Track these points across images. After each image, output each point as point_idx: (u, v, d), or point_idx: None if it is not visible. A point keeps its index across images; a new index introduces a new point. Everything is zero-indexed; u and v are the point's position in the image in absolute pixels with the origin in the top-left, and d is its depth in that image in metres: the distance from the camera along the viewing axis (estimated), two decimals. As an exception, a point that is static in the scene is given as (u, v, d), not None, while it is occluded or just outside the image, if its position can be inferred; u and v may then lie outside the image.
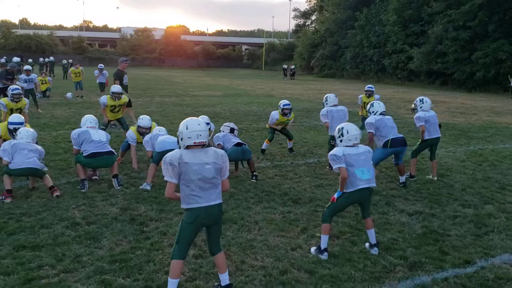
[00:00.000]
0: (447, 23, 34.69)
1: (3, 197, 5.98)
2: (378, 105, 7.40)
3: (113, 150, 7.01)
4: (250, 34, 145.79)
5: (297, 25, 78.77)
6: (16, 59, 31.37)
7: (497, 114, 18.38)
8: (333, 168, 4.70)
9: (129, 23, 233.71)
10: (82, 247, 4.65)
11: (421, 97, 8.09)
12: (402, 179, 7.35)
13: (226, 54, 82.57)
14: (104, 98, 9.91)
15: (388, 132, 7.16)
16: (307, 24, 77.19)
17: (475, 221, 5.85)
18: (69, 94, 19.69)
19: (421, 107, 7.87)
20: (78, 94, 19.93)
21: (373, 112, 7.32)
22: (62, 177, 7.30)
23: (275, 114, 9.42)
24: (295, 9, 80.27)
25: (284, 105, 9.32)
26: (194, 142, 3.66)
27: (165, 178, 3.65)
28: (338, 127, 4.89)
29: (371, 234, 4.82)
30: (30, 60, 34.06)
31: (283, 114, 9.35)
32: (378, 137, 7.22)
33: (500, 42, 32.02)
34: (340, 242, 5.01)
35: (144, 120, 7.92)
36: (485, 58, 32.50)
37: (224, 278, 3.85)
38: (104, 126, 9.73)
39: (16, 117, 7.27)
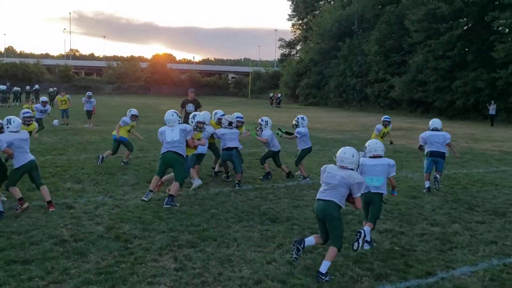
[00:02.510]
0: (427, 53, 35.93)
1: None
2: (433, 122, 9.49)
3: None
4: (237, 62, 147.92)
5: (283, 55, 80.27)
6: (2, 87, 31.90)
7: (475, 140, 19.07)
8: None
9: (116, 52, 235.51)
10: (70, 261, 4.95)
11: (302, 116, 10.09)
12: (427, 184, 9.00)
13: (212, 82, 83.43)
14: (127, 119, 10.95)
15: (431, 145, 9.04)
16: (292, 53, 78.77)
17: (441, 238, 6.25)
18: (55, 121, 19.92)
19: (302, 124, 9.88)
20: (65, 121, 20.18)
21: (429, 128, 9.34)
22: (49, 199, 7.58)
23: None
24: (280, 39, 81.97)
25: (237, 117, 10.01)
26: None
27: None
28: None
29: (367, 230, 5.69)
30: (16, 88, 34.41)
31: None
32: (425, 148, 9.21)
33: (478, 72, 33.21)
34: (313, 256, 5.37)
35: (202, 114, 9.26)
36: (465, 87, 33.63)
37: None
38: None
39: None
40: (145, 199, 7.50)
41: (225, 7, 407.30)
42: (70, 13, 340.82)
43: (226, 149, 9.12)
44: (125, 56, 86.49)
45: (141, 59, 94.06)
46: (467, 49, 34.96)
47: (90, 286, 4.37)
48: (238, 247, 5.62)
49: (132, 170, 10.27)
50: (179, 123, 7.92)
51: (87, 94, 20.93)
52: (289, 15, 76.78)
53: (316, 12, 68.42)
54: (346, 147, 5.23)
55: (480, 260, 5.47)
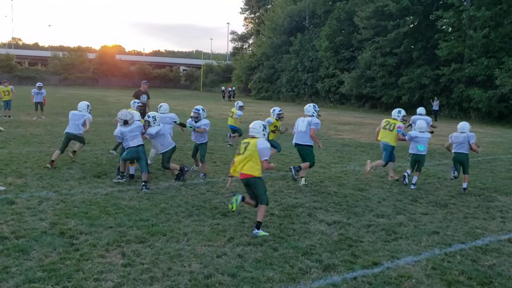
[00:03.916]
0: (375, 50, 36.92)
1: None
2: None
3: None
4: (188, 55, 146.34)
5: (235, 48, 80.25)
6: None
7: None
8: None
9: (62, 42, 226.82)
10: (11, 259, 4.72)
11: (202, 107, 9.76)
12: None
13: (163, 75, 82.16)
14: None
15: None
16: (244, 47, 78.89)
17: (386, 229, 6.45)
18: (-4, 114, 18.95)
19: (203, 116, 9.56)
20: (7, 113, 19.20)
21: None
22: (-12, 194, 7.21)
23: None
24: (232, 32, 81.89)
25: (279, 111, 10.64)
26: None
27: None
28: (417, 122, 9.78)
29: (415, 179, 9.33)
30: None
31: (278, 118, 10.62)
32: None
33: (423, 68, 34.50)
34: (263, 249, 5.40)
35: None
36: (410, 83, 34.85)
37: None
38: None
39: None
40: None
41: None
42: None
43: (130, 148, 8.30)
44: (72, 46, 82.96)
45: (88, 49, 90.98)
46: (413, 47, 36.22)
47: (32, 285, 4.18)
48: (188, 241, 5.56)
49: (79, 164, 9.93)
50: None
51: (37, 85, 19.96)
52: (241, 8, 76.83)
53: (268, 7, 68.75)
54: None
55: (423, 249, 5.69)
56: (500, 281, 4.83)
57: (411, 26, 36.53)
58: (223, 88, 54.38)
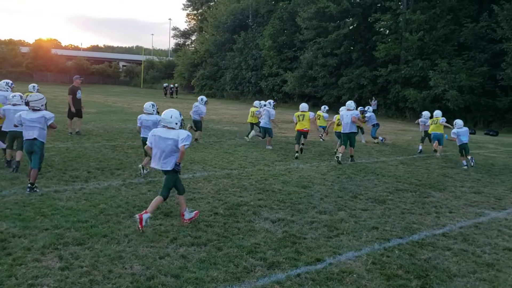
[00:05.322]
0: (316, 50, 37.69)
1: None
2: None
3: None
4: (128, 50, 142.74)
5: (177, 44, 79.18)
6: None
7: (358, 134, 20.35)
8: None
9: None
10: None
11: (152, 103, 9.53)
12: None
13: (101, 70, 79.55)
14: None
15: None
16: (187, 43, 78.05)
17: (328, 225, 6.58)
18: None
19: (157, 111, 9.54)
20: None
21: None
22: None
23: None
24: (174, 28, 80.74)
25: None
26: None
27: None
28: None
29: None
30: None
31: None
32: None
33: (362, 69, 35.61)
34: (207, 249, 5.33)
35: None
36: (350, 83, 35.87)
37: None
38: None
39: None
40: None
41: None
42: None
43: (26, 140, 7.67)
44: (2, 39, 78.27)
45: (21, 43, 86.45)
46: (352, 48, 37.31)
47: (-43, 294, 3.90)
48: (129, 243, 5.38)
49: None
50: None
51: None
52: (183, 4, 75.99)
53: (211, 4, 68.40)
54: (458, 120, 10.96)
55: (364, 245, 5.85)
56: (436, 273, 5.06)
57: (350, 27, 37.59)
58: (165, 84, 53.50)
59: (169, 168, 6.00)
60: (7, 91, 10.08)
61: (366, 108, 17.81)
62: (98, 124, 17.62)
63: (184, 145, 5.89)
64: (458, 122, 13.12)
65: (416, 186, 9.77)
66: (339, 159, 12.03)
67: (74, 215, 6.24)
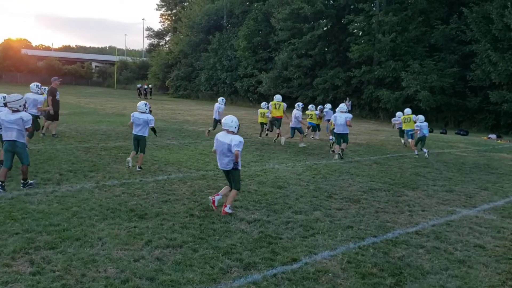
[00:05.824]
0: (291, 51, 37.84)
1: None
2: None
3: None
4: (101, 51, 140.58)
5: (151, 45, 78.43)
6: None
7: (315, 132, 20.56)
8: None
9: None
10: None
11: (145, 102, 10.01)
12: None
13: (74, 71, 78.11)
14: None
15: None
16: (161, 44, 77.37)
17: (304, 225, 6.62)
18: None
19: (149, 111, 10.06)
20: None
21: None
22: None
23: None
24: (148, 29, 79.97)
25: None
26: None
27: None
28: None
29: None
30: None
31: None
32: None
33: (336, 70, 35.93)
34: (183, 251, 5.29)
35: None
36: (324, 84, 36.13)
37: None
38: None
39: None
40: None
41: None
42: None
43: (6, 141, 7.59)
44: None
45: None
46: (326, 49, 37.59)
47: None
48: (103, 246, 5.30)
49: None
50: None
51: None
52: (157, 4, 75.31)
53: (185, 4, 67.95)
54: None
55: (339, 244, 5.90)
56: (409, 271, 5.14)
57: (325, 29, 37.86)
58: (139, 85, 52.91)
59: (230, 168, 6.98)
60: (37, 93, 10.01)
61: (324, 107, 19.81)
62: (70, 126, 17.32)
63: (237, 150, 6.74)
64: (421, 117, 14.83)
65: (389, 185, 9.91)
66: (341, 155, 13.31)
67: (45, 219, 6.10)
